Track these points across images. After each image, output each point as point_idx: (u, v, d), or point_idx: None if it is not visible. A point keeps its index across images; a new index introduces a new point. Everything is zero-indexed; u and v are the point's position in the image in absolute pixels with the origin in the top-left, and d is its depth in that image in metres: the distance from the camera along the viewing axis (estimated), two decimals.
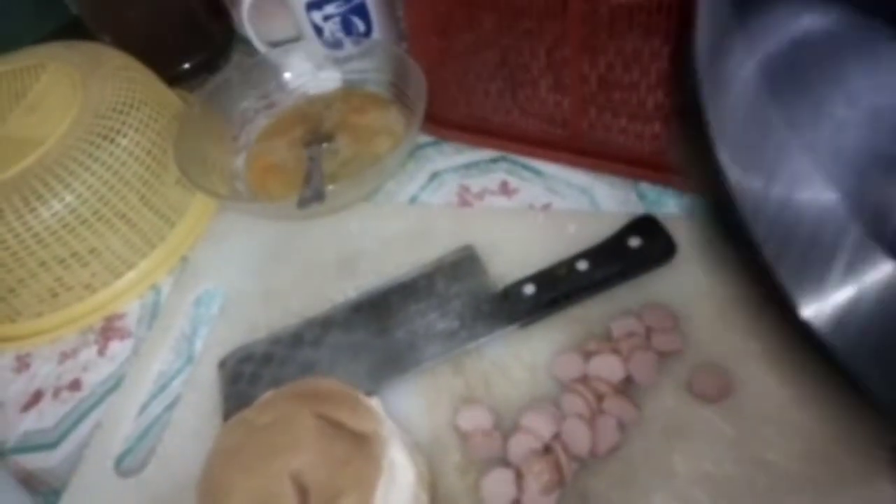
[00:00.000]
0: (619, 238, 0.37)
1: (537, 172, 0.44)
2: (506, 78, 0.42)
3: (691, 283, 0.35)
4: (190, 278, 0.44)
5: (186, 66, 0.59)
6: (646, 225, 0.37)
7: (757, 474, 0.29)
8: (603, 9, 0.35)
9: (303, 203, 0.39)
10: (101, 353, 0.43)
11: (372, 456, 0.28)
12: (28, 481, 0.38)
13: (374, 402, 0.32)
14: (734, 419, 0.30)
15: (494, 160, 0.46)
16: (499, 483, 0.30)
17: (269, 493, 0.27)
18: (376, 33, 0.52)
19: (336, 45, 0.51)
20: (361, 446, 0.29)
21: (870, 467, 0.28)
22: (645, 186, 0.41)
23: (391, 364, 0.36)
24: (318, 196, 0.40)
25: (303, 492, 0.27)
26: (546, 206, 0.42)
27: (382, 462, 0.29)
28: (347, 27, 0.51)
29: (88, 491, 0.36)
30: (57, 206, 0.40)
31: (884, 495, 0.28)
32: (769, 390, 0.31)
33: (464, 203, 0.44)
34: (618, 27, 0.36)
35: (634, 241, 0.36)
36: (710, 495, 0.29)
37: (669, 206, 0.40)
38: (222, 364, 0.38)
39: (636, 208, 0.40)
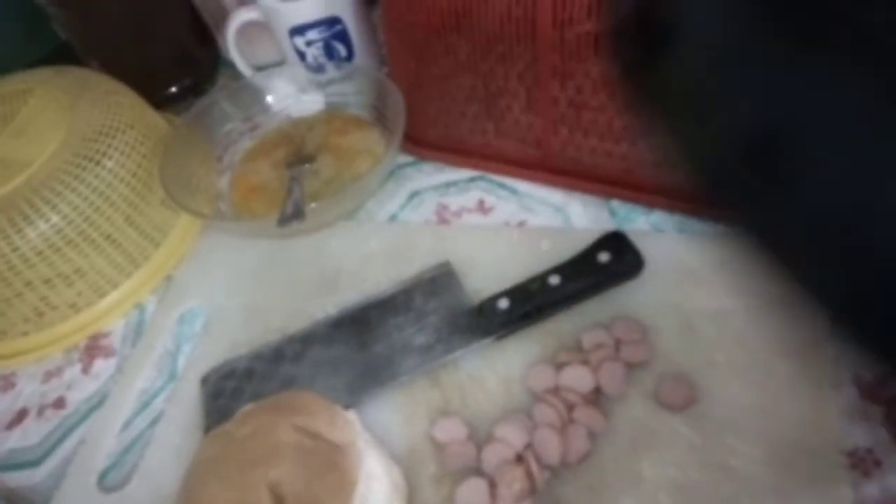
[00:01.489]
0: (589, 254, 0.38)
1: (513, 191, 0.45)
2: (481, 100, 0.44)
3: (658, 296, 0.37)
4: (174, 297, 0.45)
5: (173, 89, 0.60)
6: (615, 241, 0.38)
7: (721, 480, 0.30)
8: (570, 35, 0.37)
9: (283, 221, 0.41)
10: (85, 371, 0.43)
11: (348, 467, 0.29)
12: (11, 499, 0.39)
13: (352, 415, 0.32)
14: (699, 427, 0.32)
15: (472, 179, 0.47)
16: (473, 492, 0.31)
17: (246, 502, 0.27)
18: (357, 58, 0.53)
19: (318, 69, 0.52)
20: (338, 457, 0.29)
21: (830, 473, 0.29)
22: (616, 204, 0.43)
23: (370, 378, 0.37)
24: (298, 214, 0.41)
25: (280, 502, 0.28)
26: (521, 224, 0.43)
27: (359, 473, 0.29)
28: (329, 52, 0.52)
29: None
30: (43, 226, 0.41)
31: (843, 499, 0.29)
32: (733, 399, 0.32)
33: (442, 221, 0.45)
34: (584, 52, 0.37)
35: (604, 257, 0.37)
36: (676, 500, 0.30)
37: (639, 223, 0.41)
38: (204, 380, 0.39)
39: (608, 225, 0.42)
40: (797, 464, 0.30)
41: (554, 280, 0.37)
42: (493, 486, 0.31)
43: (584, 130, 0.41)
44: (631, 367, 0.34)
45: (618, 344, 0.35)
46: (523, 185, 0.45)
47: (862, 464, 0.30)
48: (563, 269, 0.38)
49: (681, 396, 0.32)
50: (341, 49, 0.52)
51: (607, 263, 0.37)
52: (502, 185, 0.46)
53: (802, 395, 0.32)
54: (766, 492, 0.29)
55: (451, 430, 0.33)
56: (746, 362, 0.33)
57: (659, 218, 0.41)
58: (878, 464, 0.29)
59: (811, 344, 0.33)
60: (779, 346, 0.33)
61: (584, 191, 0.44)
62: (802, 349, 0.33)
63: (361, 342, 0.38)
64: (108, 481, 0.37)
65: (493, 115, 0.44)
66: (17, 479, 0.39)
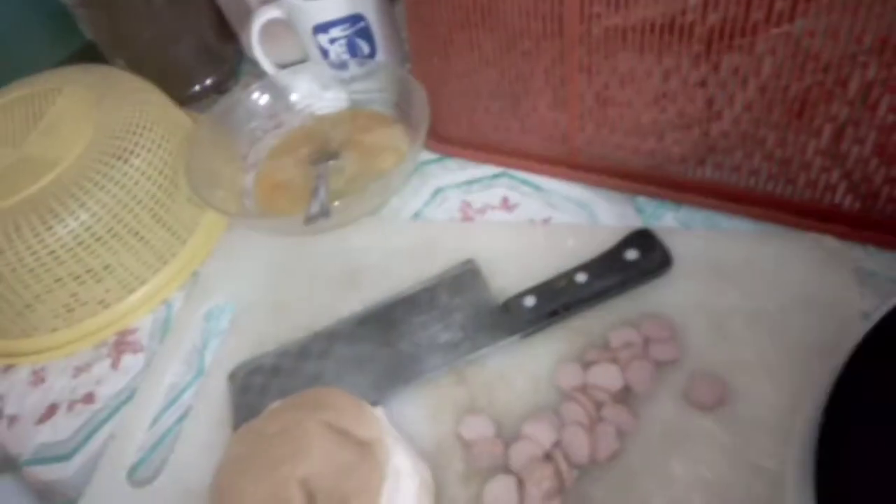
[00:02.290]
0: (616, 251, 0.38)
1: (537, 188, 0.45)
2: (506, 96, 0.43)
3: (687, 294, 0.36)
4: (200, 293, 0.45)
5: (197, 87, 0.60)
6: (642, 238, 0.38)
7: (753, 480, 0.30)
8: (597, 30, 0.37)
9: (309, 219, 0.41)
10: (114, 366, 0.44)
11: (376, 463, 0.29)
12: (43, 492, 0.40)
13: (379, 412, 0.32)
14: (730, 426, 0.31)
15: (496, 176, 0.47)
16: (501, 490, 0.31)
17: (277, 499, 0.28)
18: (380, 55, 0.53)
19: (342, 66, 0.52)
20: (366, 454, 0.29)
21: None
22: (642, 200, 0.42)
23: (395, 375, 0.37)
24: (324, 212, 0.41)
25: (310, 497, 0.28)
26: (546, 221, 0.43)
27: (387, 469, 0.29)
28: (353, 49, 0.52)
29: (102, 501, 0.37)
30: (73, 223, 0.41)
31: None
32: (764, 399, 0.32)
33: (466, 218, 0.45)
34: (612, 47, 0.37)
35: (632, 254, 0.37)
36: (707, 500, 0.29)
37: (666, 220, 0.41)
38: (232, 376, 0.39)
39: (634, 222, 0.41)
40: None
41: (581, 277, 0.37)
42: (521, 484, 0.31)
43: (611, 126, 0.41)
44: (660, 365, 0.34)
45: (646, 342, 0.34)
46: (548, 182, 0.45)
47: None
48: (590, 266, 0.37)
49: (711, 395, 0.32)
50: (364, 46, 0.52)
51: (635, 261, 0.37)
52: (526, 182, 0.46)
53: None
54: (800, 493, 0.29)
55: (478, 428, 0.33)
56: (777, 361, 0.33)
57: (686, 214, 0.41)
58: None
59: (843, 343, 0.33)
60: (811, 346, 0.33)
61: (610, 187, 0.43)
62: (836, 348, 0.33)
63: (386, 339, 0.38)
64: (138, 475, 0.38)
65: (517, 111, 0.44)
66: (49, 473, 0.40)
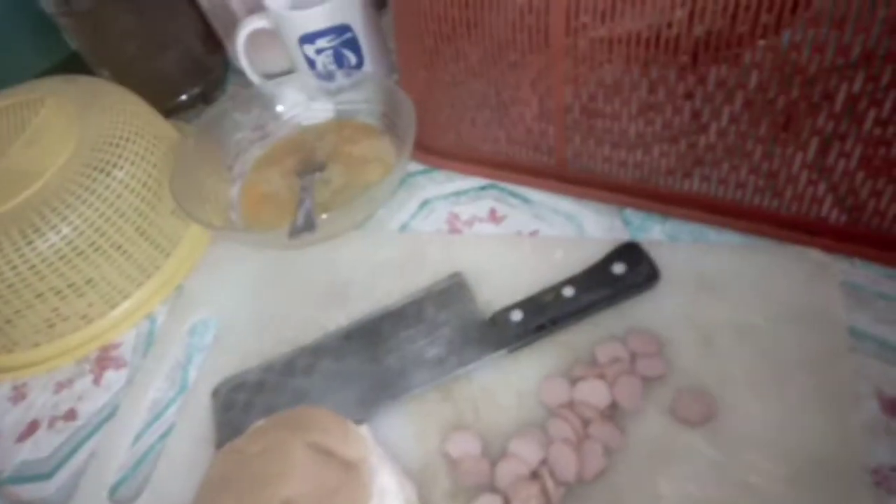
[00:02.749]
0: (603, 265, 0.37)
1: (525, 200, 0.45)
2: (493, 108, 0.43)
3: (674, 308, 0.36)
4: (184, 307, 0.45)
5: (183, 97, 0.60)
6: (629, 252, 0.38)
7: (740, 497, 0.29)
8: (583, 42, 0.36)
9: (294, 233, 0.40)
10: (96, 382, 0.43)
11: (362, 483, 0.29)
12: None
13: (364, 430, 0.32)
14: (718, 442, 0.31)
15: (483, 188, 0.47)
16: None
17: None
18: (367, 66, 0.53)
19: (328, 77, 0.52)
20: (351, 474, 0.29)
21: (853, 490, 0.29)
22: (630, 213, 0.42)
23: (381, 391, 0.36)
24: (310, 226, 0.40)
25: None
26: (533, 233, 0.43)
27: (372, 489, 0.29)
28: (339, 60, 0.52)
29: None
30: (54, 238, 0.41)
31: None
32: (752, 414, 0.32)
33: (453, 230, 0.45)
34: (598, 59, 0.37)
35: (619, 268, 0.37)
36: None
37: (654, 232, 0.41)
38: (215, 392, 0.39)
39: (622, 234, 0.41)
40: (819, 481, 0.29)
41: (568, 292, 0.37)
42: (507, 502, 0.30)
43: (598, 138, 0.41)
44: (647, 381, 0.33)
45: (633, 357, 0.34)
46: (536, 194, 0.45)
47: (886, 482, 0.29)
48: (577, 280, 0.37)
49: (698, 411, 0.32)
50: (351, 57, 0.52)
51: (622, 275, 0.37)
52: (514, 194, 0.46)
53: (823, 409, 0.31)
54: None
55: (464, 445, 0.33)
56: (765, 376, 0.33)
57: (674, 227, 0.40)
58: None
59: (831, 357, 0.33)
60: (798, 360, 0.33)
61: (598, 199, 0.43)
62: (823, 362, 0.33)
63: (373, 354, 0.38)
64: (120, 494, 0.37)
65: (504, 123, 0.44)
66: (30, 492, 0.39)
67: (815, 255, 0.36)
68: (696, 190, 0.39)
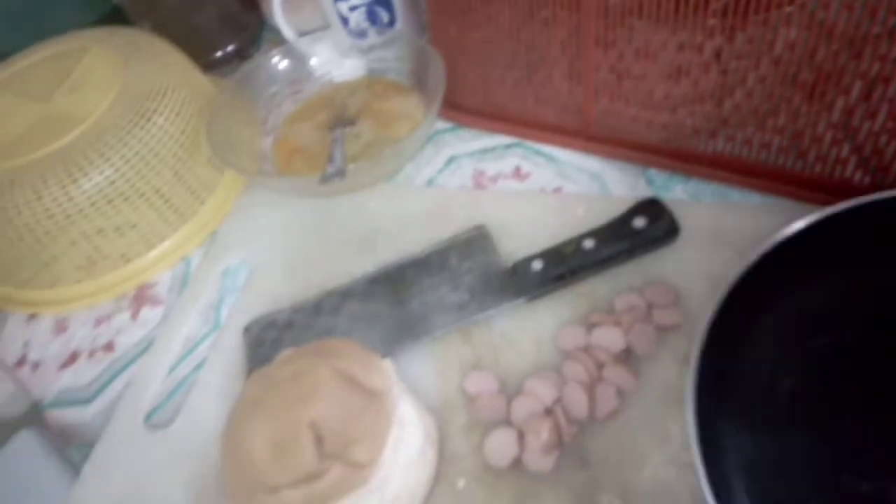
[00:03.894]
0: (624, 219, 0.38)
1: (550, 158, 0.46)
2: (522, 67, 0.44)
3: (693, 263, 0.37)
4: (218, 251, 0.47)
5: (219, 53, 0.61)
6: (651, 207, 0.38)
7: None
8: (615, 1, 0.37)
9: (325, 179, 0.42)
10: (133, 318, 0.45)
11: (384, 411, 0.30)
12: (64, 434, 0.41)
13: (388, 363, 0.34)
14: None
15: (509, 146, 0.47)
16: (502, 442, 0.32)
17: (287, 438, 0.29)
18: (399, 24, 0.54)
19: (361, 34, 0.53)
20: (374, 401, 0.31)
21: None
22: (653, 173, 0.43)
23: (404, 332, 0.38)
24: (340, 173, 0.42)
25: (318, 439, 0.29)
26: (557, 190, 0.44)
27: (393, 417, 0.30)
28: (372, 17, 0.53)
29: (119, 443, 0.38)
30: (97, 178, 0.43)
31: None
32: None
33: (478, 186, 0.46)
34: (628, 19, 0.37)
35: (639, 222, 0.38)
36: None
37: (676, 192, 0.41)
38: (247, 329, 0.41)
39: (645, 193, 0.42)
40: None
41: (588, 244, 0.38)
42: (521, 436, 0.32)
43: (625, 98, 0.41)
44: (662, 329, 0.34)
45: (650, 307, 0.35)
46: (561, 153, 0.46)
47: None
48: (598, 233, 0.38)
49: None
50: (384, 15, 0.53)
51: (643, 229, 0.37)
52: (539, 152, 0.46)
53: None
54: None
55: (481, 383, 0.34)
56: None
57: (697, 186, 0.41)
58: None
59: None
60: None
61: (623, 159, 0.44)
62: None
63: (397, 299, 0.39)
64: (155, 420, 0.39)
65: (533, 82, 0.44)
66: (70, 416, 0.41)
67: None
68: (720, 150, 0.40)
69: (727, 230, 0.38)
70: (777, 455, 0.28)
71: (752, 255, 0.30)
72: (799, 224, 0.30)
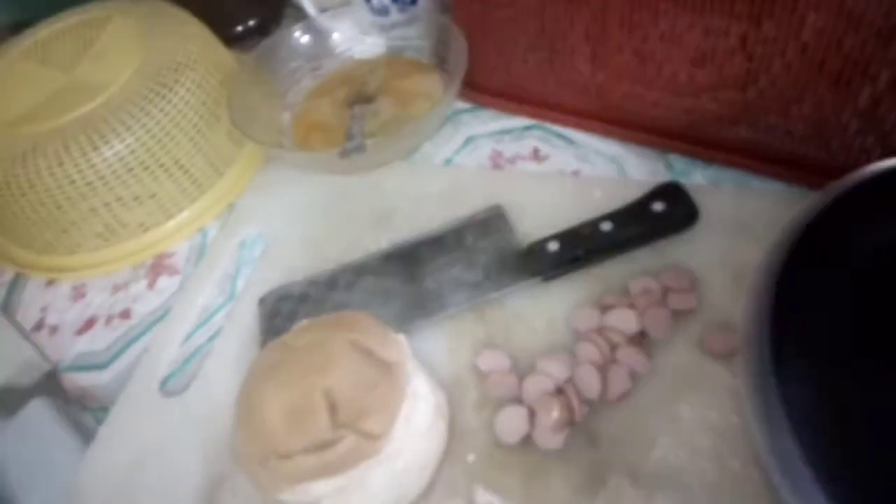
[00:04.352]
0: (643, 202, 0.38)
1: (569, 141, 0.46)
2: (544, 49, 0.44)
3: (710, 249, 0.37)
4: (235, 223, 0.47)
5: (240, 28, 0.61)
6: (671, 191, 0.38)
7: None
8: None
9: (345, 153, 0.42)
10: (150, 286, 0.46)
11: (397, 383, 0.31)
12: (80, 397, 0.42)
13: (402, 338, 0.34)
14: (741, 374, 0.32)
15: (528, 128, 0.47)
16: (512, 419, 0.32)
17: (301, 405, 0.29)
18: (422, 2, 0.53)
19: (382, 12, 0.53)
20: (388, 374, 0.31)
21: None
22: (673, 158, 0.42)
23: (418, 308, 0.38)
24: (360, 148, 0.42)
25: (332, 407, 0.29)
26: (575, 173, 0.44)
27: (406, 390, 0.31)
28: None
29: (134, 407, 0.39)
30: (119, 146, 0.43)
31: None
32: None
33: (496, 167, 0.46)
34: (654, 2, 0.37)
35: (658, 206, 0.37)
36: (713, 442, 0.30)
37: (696, 177, 0.41)
38: (262, 301, 0.41)
39: (664, 178, 0.41)
40: None
41: (605, 226, 0.37)
42: (532, 414, 0.32)
43: (648, 82, 0.41)
44: (677, 314, 0.34)
45: (665, 292, 0.35)
46: (580, 136, 0.46)
47: None
48: (616, 216, 0.38)
49: (725, 344, 0.33)
50: None
51: (661, 213, 0.37)
52: (558, 135, 0.46)
53: None
54: None
55: (494, 361, 0.35)
56: None
57: (716, 173, 0.41)
58: None
59: None
60: None
61: (642, 143, 0.44)
62: None
63: (412, 275, 0.40)
64: (169, 386, 0.40)
65: (555, 65, 0.44)
66: (86, 380, 0.42)
67: None
68: (742, 137, 0.39)
69: (746, 217, 0.37)
70: (839, 406, 0.26)
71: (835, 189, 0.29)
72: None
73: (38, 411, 0.45)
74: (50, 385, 0.44)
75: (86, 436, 0.40)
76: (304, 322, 0.34)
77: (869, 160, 0.36)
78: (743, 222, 0.37)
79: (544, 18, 0.42)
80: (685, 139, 0.42)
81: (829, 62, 0.34)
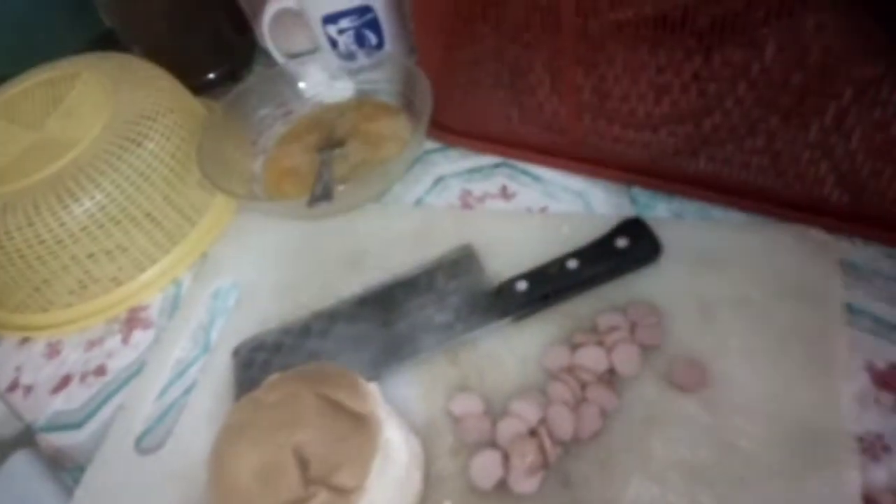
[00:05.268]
0: (607, 239, 0.39)
1: (536, 178, 0.46)
2: (507, 88, 0.45)
3: (675, 281, 0.37)
4: (209, 273, 0.47)
5: (211, 76, 0.62)
6: (633, 227, 0.39)
7: (730, 460, 0.31)
8: (594, 24, 0.38)
9: (313, 202, 0.42)
10: (125, 341, 0.46)
11: (369, 434, 0.31)
12: (56, 458, 0.42)
13: (373, 387, 0.34)
14: (710, 408, 0.32)
15: (496, 166, 0.48)
16: (487, 463, 0.32)
17: (272, 463, 0.29)
18: (388, 46, 0.55)
19: (350, 56, 0.54)
20: (359, 425, 0.31)
21: (838, 456, 0.30)
22: (637, 191, 0.43)
23: (391, 354, 0.38)
24: (327, 195, 0.42)
25: (304, 464, 0.29)
26: (543, 210, 0.44)
27: (378, 441, 0.31)
28: (360, 40, 0.54)
29: (110, 466, 0.38)
30: (88, 203, 0.43)
31: (850, 482, 0.29)
32: (745, 383, 0.33)
33: (466, 206, 0.46)
34: (608, 41, 0.38)
35: (622, 242, 0.38)
36: (685, 478, 0.31)
37: (660, 210, 0.42)
38: (236, 352, 0.41)
39: (629, 211, 0.42)
40: (806, 446, 0.30)
41: (572, 264, 0.38)
42: (506, 458, 0.32)
43: (608, 118, 0.42)
44: (645, 348, 0.35)
45: (633, 326, 0.35)
46: (546, 172, 0.46)
47: (871, 448, 0.30)
48: (582, 253, 0.38)
49: (693, 378, 0.33)
50: (372, 37, 0.54)
51: (625, 248, 0.38)
52: (525, 172, 0.47)
53: (815, 380, 0.32)
54: (774, 472, 0.30)
55: (467, 405, 0.35)
56: (760, 347, 0.34)
57: (679, 205, 0.42)
58: (886, 449, 0.30)
59: (826, 331, 0.34)
60: (794, 333, 0.34)
61: (606, 178, 0.44)
62: (817, 336, 0.34)
63: (385, 320, 0.40)
64: (145, 444, 0.39)
65: (517, 103, 0.45)
66: (62, 440, 0.42)
67: (816, 233, 0.37)
68: (701, 169, 0.40)
69: (708, 248, 0.38)
70: None
71: None
72: None
73: (20, 465, 0.45)
74: (29, 439, 0.44)
75: (68, 490, 0.40)
76: (274, 376, 0.34)
77: (823, 190, 0.37)
78: (704, 253, 0.38)
79: (504, 60, 0.43)
80: (647, 173, 0.42)
81: (778, 98, 0.35)
